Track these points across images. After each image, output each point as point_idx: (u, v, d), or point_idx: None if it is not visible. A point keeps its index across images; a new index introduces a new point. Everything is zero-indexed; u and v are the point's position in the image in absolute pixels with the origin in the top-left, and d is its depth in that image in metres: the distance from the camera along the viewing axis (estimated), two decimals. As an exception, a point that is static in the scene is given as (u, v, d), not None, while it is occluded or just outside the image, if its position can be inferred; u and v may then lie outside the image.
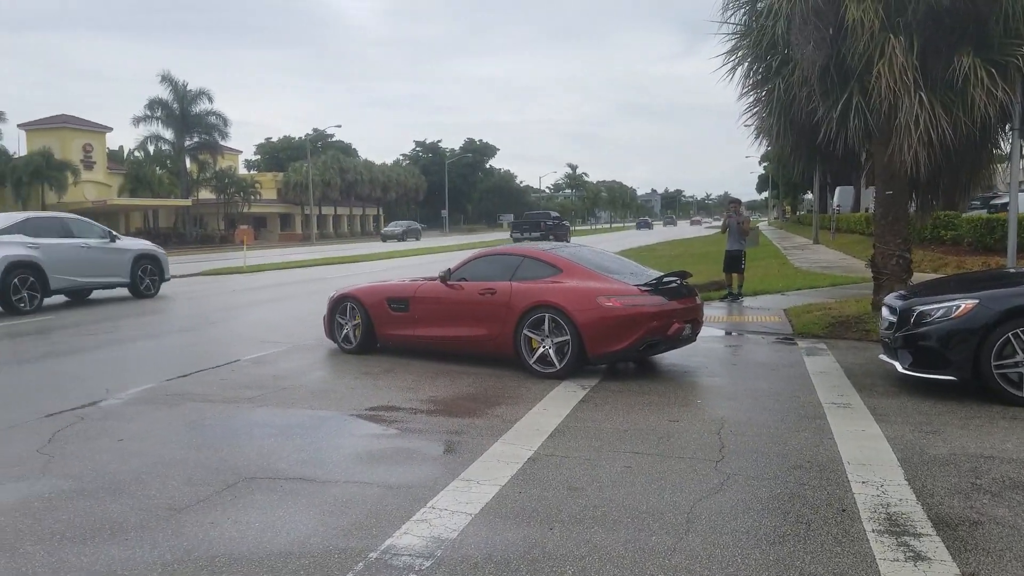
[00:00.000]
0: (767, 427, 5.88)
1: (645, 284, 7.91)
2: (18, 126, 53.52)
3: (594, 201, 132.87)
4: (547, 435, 5.70)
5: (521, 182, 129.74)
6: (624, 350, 7.65)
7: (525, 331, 7.84)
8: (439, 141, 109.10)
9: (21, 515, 4.23)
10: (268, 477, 4.82)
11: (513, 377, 7.79)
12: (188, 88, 58.17)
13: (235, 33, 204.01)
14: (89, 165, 53.14)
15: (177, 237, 57.10)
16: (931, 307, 6.70)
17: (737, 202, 15.22)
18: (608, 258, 9.11)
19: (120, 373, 8.45)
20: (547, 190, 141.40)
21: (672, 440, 5.56)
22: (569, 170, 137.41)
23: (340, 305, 9.53)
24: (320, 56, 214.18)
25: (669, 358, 8.82)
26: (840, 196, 42.99)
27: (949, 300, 6.65)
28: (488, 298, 8.20)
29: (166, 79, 57.51)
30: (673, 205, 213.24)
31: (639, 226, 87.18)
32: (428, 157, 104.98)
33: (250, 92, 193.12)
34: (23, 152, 50.25)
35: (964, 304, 6.49)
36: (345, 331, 9.43)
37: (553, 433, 5.76)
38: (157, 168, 59.17)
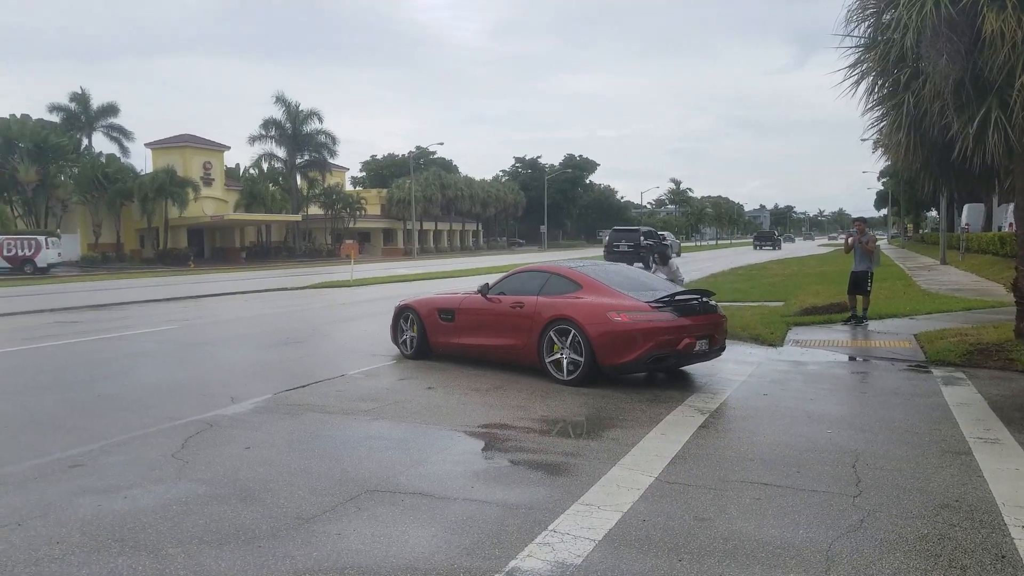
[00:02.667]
0: (907, 461, 5.51)
1: (656, 301, 8.37)
2: (145, 145, 57.46)
3: (699, 217, 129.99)
4: (668, 461, 5.54)
5: (622, 197, 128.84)
6: (632, 362, 8.13)
7: (546, 342, 8.51)
8: (539, 157, 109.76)
9: (161, 518, 4.42)
10: (389, 491, 4.88)
11: (625, 399, 7.66)
12: (300, 108, 60.91)
13: (345, 55, 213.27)
14: (208, 182, 56.29)
15: (287, 251, 59.74)
16: None
17: (862, 221, 14.48)
18: (631, 276, 9.57)
19: (240, 383, 8.80)
20: (649, 205, 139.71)
21: (804, 472, 5.28)
22: (672, 185, 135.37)
23: (402, 315, 10.45)
24: (424, 76, 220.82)
25: (794, 383, 8.51)
26: (969, 214, 40.32)
27: None
28: (517, 311, 8.94)
29: (280, 100, 60.44)
30: (783, 222, 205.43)
31: (758, 243, 78.33)
32: (528, 173, 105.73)
33: (357, 111, 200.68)
34: (149, 169, 53.79)
35: None
36: (404, 338, 10.35)
37: (674, 459, 5.59)
38: (270, 185, 62.14)
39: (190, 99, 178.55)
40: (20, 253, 39.22)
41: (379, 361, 10.05)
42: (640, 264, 35.92)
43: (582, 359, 8.22)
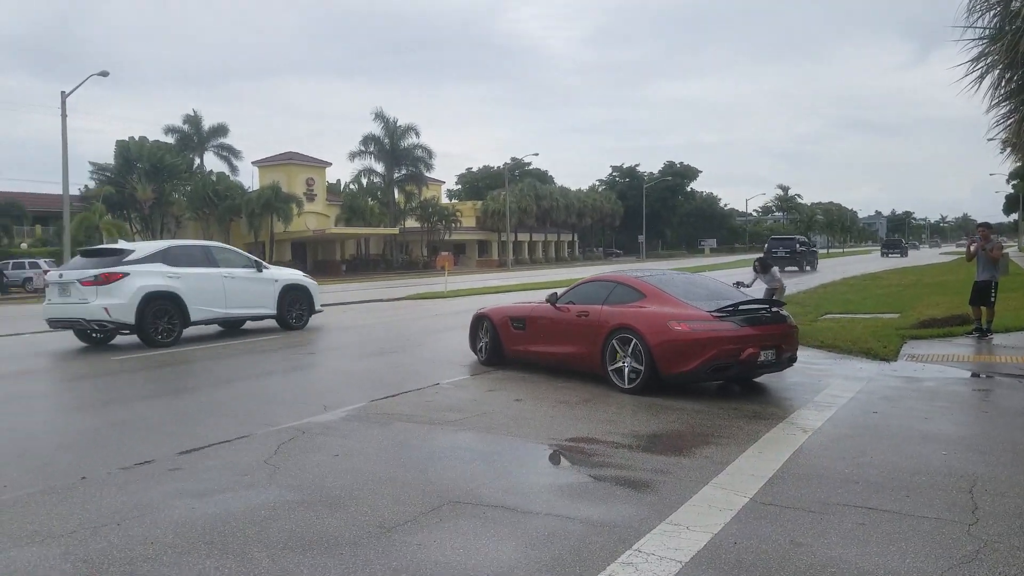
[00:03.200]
0: (1033, 480, 5.05)
1: (718, 310, 8.34)
2: (252, 163, 60.38)
3: (808, 225, 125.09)
4: (765, 481, 5.25)
5: (725, 205, 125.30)
6: (693, 371, 8.11)
7: (609, 350, 8.62)
8: (637, 165, 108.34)
9: (249, 522, 4.52)
10: (471, 503, 4.83)
11: (723, 415, 7.37)
12: (398, 124, 62.52)
13: (443, 71, 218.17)
14: (311, 197, 58.53)
15: (385, 263, 61.29)
16: None
17: (986, 226, 13.45)
18: (700, 285, 9.54)
19: (335, 391, 9.01)
20: (755, 213, 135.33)
21: (913, 496, 4.90)
22: (780, 191, 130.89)
23: (478, 323, 10.93)
24: (519, 87, 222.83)
25: (907, 400, 8.01)
26: None
27: None
28: (583, 320, 9.13)
29: (379, 116, 62.24)
30: (901, 228, 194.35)
31: (886, 250, 71.81)
32: (625, 182, 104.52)
33: (454, 125, 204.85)
34: (256, 186, 56.44)
35: None
36: (480, 344, 10.76)
37: (772, 479, 5.30)
38: (369, 199, 64.03)
39: (294, 118, 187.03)
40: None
41: (469, 372, 10.11)
42: (795, 267, 41.02)
43: (642, 367, 8.29)
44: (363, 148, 62.59)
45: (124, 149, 51.37)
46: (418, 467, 5.63)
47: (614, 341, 8.61)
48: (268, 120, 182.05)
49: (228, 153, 57.85)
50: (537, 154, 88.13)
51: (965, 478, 5.25)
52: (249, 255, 16.36)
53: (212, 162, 59.24)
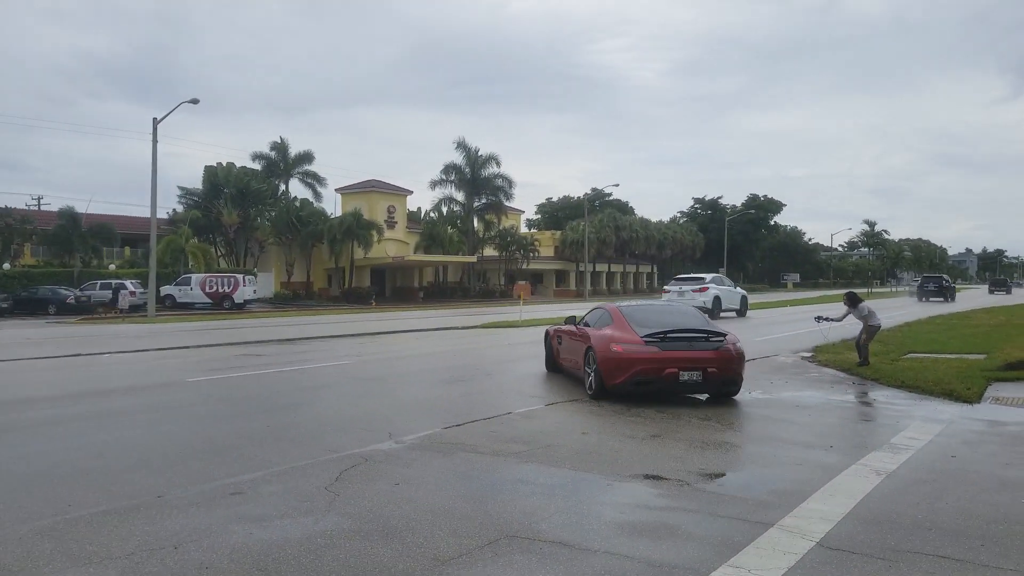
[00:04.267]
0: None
1: (648, 335, 10.05)
2: (335, 190, 62.16)
3: (895, 261, 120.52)
4: (834, 524, 5.06)
5: (810, 239, 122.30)
6: (622, 384, 10.02)
7: (586, 362, 10.84)
8: (719, 197, 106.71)
9: (305, 550, 4.59)
10: (528, 537, 4.79)
11: (794, 453, 7.16)
12: (479, 153, 63.51)
13: (527, 101, 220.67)
14: (391, 224, 59.88)
15: (462, 291, 62.03)
16: None
17: None
18: (668, 312, 11.39)
19: (402, 419, 9.10)
20: (840, 248, 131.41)
21: (989, 546, 4.67)
22: (866, 227, 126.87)
23: (545, 337, 13.85)
24: (602, 118, 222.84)
25: (989, 445, 7.64)
26: None
27: None
28: (580, 338, 11.42)
29: (460, 145, 63.38)
30: (993, 268, 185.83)
31: (921, 294, 67.89)
32: (707, 214, 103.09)
33: (536, 155, 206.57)
34: (338, 213, 58.12)
35: None
36: (545, 354, 13.69)
37: (841, 522, 5.10)
38: (448, 227, 65.10)
39: (377, 147, 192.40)
40: (220, 290, 42.91)
41: (538, 403, 10.10)
42: (941, 298, 52.22)
43: (594, 378, 10.38)
44: (444, 177, 63.83)
45: (212, 174, 53.60)
46: (478, 499, 5.65)
47: (588, 355, 10.71)
48: (352, 148, 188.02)
49: (312, 180, 59.67)
50: (618, 185, 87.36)
51: (1055, 532, 4.96)
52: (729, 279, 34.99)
53: (296, 189, 61.42)
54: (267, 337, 21.89)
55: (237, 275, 44.55)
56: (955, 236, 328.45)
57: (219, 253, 53.41)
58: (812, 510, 5.40)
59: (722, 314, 30.00)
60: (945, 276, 64.73)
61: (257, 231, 53.18)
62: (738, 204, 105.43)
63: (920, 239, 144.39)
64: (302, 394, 11.11)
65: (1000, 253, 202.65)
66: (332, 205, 71.04)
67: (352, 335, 22.87)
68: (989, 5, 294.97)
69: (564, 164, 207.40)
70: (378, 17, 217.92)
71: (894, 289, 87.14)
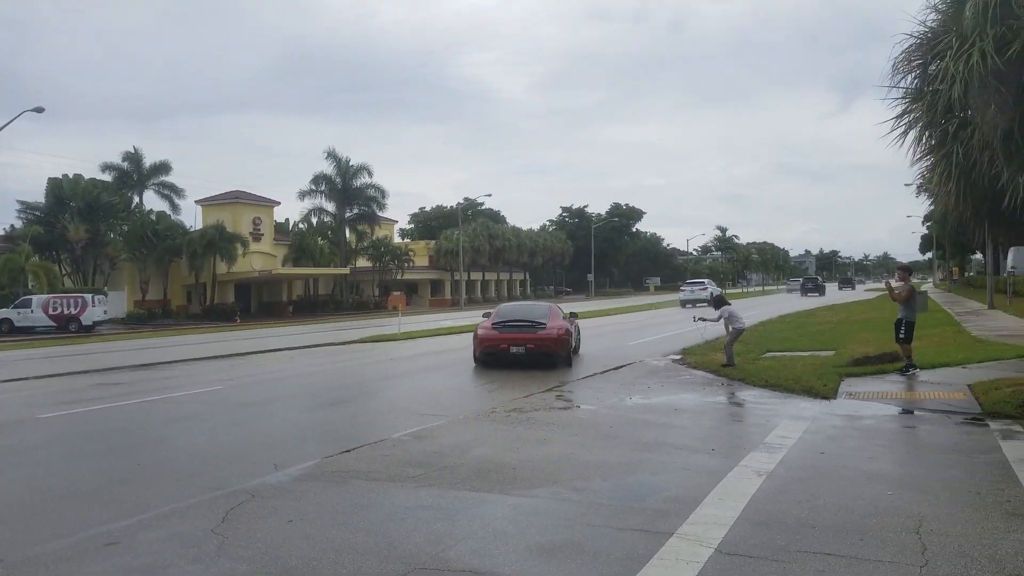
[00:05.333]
0: (972, 525, 5.26)
1: (497, 323, 16.58)
2: (195, 202, 59.09)
3: (745, 263, 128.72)
4: (727, 529, 5.29)
5: (668, 245, 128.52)
6: (480, 355, 16.41)
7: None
8: (586, 206, 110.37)
9: (201, 600, 4.34)
10: (437, 568, 4.69)
11: (680, 457, 7.46)
12: (350, 164, 62.17)
13: (397, 111, 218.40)
14: (258, 237, 57.60)
15: (334, 304, 60.46)
16: None
17: (904, 268, 14.22)
18: (524, 309, 18.18)
19: (285, 447, 8.71)
20: (695, 252, 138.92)
21: (867, 539, 5.03)
22: (718, 232, 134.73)
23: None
24: (475, 129, 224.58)
25: (850, 439, 8.26)
26: (1015, 257, 39.27)
27: None
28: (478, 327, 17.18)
29: (330, 155, 61.87)
30: (828, 267, 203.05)
31: (803, 291, 72.75)
32: (574, 222, 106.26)
33: (407, 164, 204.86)
34: (199, 225, 55.28)
35: None
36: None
37: (734, 526, 5.34)
38: (319, 239, 63.36)
39: (244, 156, 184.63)
40: (65, 311, 39.47)
41: (429, 421, 9.93)
42: (816, 294, 67.62)
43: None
44: (314, 187, 62.05)
45: (56, 187, 49.42)
46: (379, 531, 5.48)
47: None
48: (216, 159, 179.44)
49: (170, 191, 56.33)
50: (490, 195, 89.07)
51: (912, 518, 5.43)
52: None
53: (153, 201, 58.11)
54: (124, 362, 20.36)
55: (85, 295, 41.27)
56: (795, 238, 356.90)
57: (64, 271, 49.33)
58: (706, 516, 5.62)
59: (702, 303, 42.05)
60: (818, 277, 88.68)
61: (108, 247, 49.43)
62: (603, 212, 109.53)
63: (765, 242, 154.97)
64: (172, 426, 10.43)
65: (835, 254, 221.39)
66: (193, 218, 67.21)
67: (219, 356, 21.71)
68: (819, 28, 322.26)
69: (437, 174, 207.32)
70: (244, 24, 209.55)
71: (762, 288, 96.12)
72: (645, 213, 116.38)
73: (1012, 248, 39.41)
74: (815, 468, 7.10)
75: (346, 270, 62.25)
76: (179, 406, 12.18)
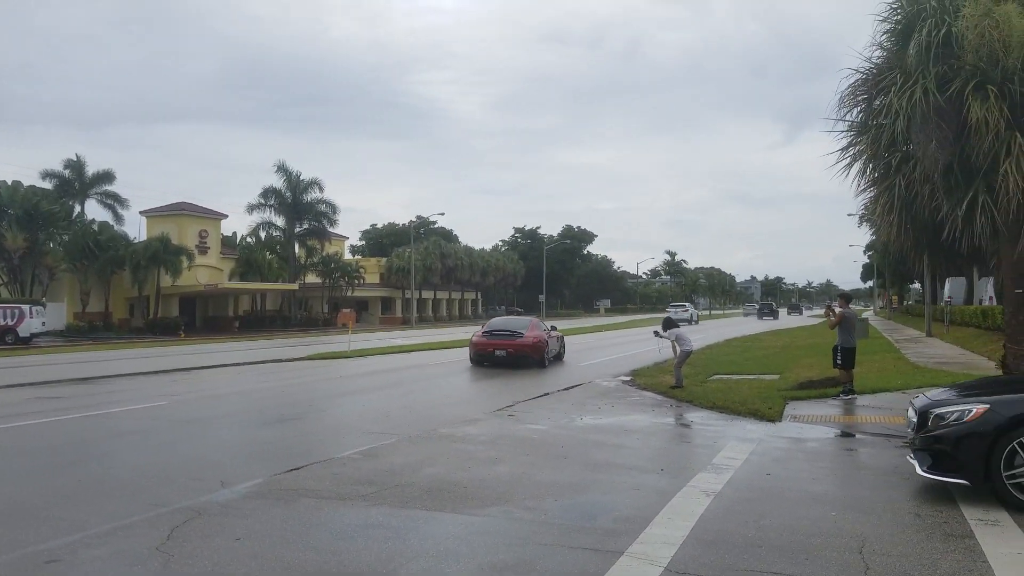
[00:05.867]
0: (912, 545, 5.44)
1: (486, 332, 21.29)
2: (140, 213, 57.69)
3: (692, 287, 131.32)
4: (676, 547, 5.37)
5: (618, 268, 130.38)
6: (474, 356, 20.99)
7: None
8: (538, 227, 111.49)
9: (146, 619, 4.24)
10: None
11: (630, 479, 7.53)
12: (301, 178, 61.61)
13: (350, 127, 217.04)
14: (204, 250, 56.45)
15: (282, 320, 59.52)
16: (947, 410, 6.82)
17: (843, 297, 14.72)
18: (510, 321, 23.29)
19: (233, 465, 8.54)
20: (644, 276, 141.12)
21: (812, 559, 5.15)
22: (668, 256, 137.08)
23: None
24: (428, 147, 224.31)
25: (795, 461, 8.48)
26: (952, 287, 40.98)
27: (963, 404, 6.77)
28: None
29: (281, 169, 61.21)
30: (773, 293, 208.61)
31: (760, 314, 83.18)
32: (527, 243, 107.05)
33: (360, 181, 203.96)
34: (143, 237, 53.87)
35: (976, 408, 6.59)
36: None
37: (683, 545, 5.43)
38: (267, 253, 62.39)
39: (190, 167, 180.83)
40: (1, 322, 38.17)
41: (379, 439, 9.82)
42: (771, 317, 77.93)
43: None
44: (263, 201, 61.28)
45: (-7, 194, 48.00)
46: (328, 550, 5.39)
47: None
48: (162, 168, 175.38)
49: (113, 201, 54.96)
50: (443, 213, 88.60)
51: (855, 538, 5.58)
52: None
53: (95, 211, 56.28)
54: (63, 376, 19.68)
55: (22, 306, 39.83)
56: (741, 264, 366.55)
57: (1, 281, 47.62)
58: (656, 535, 5.69)
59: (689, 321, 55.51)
60: (772, 302, 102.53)
61: (47, 257, 47.76)
62: (555, 234, 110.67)
63: (713, 267, 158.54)
64: (115, 442, 10.12)
65: (780, 280, 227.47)
66: (137, 229, 65.41)
67: (163, 371, 21.14)
68: (767, 60, 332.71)
69: (389, 191, 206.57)
70: (194, 33, 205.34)
71: (709, 312, 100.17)
72: (597, 236, 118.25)
73: (949, 279, 41.08)
74: (761, 489, 7.24)
75: (295, 286, 61.41)
76: (122, 422, 11.83)
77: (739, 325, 56.62)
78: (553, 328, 23.27)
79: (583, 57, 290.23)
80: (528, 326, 21.43)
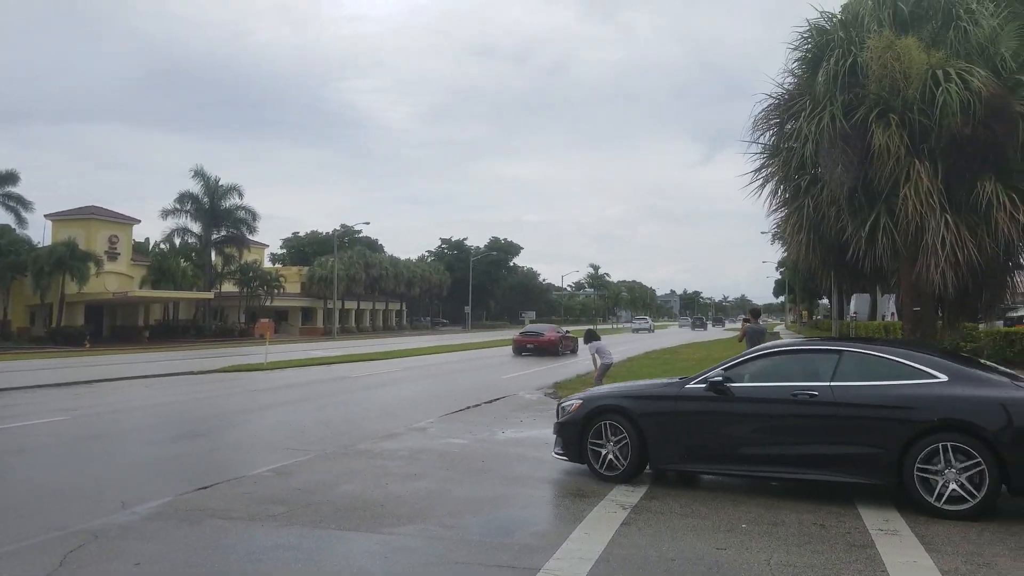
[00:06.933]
0: (818, 556, 5.61)
1: (522, 333, 35.20)
2: (45, 216, 54.81)
3: (615, 300, 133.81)
4: (592, 563, 5.39)
5: (544, 280, 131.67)
6: (515, 349, 33.12)
7: None
8: (465, 239, 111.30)
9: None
10: None
11: (548, 494, 7.56)
12: (220, 183, 59.74)
13: (274, 132, 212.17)
14: (113, 256, 54.07)
15: (196, 330, 57.42)
16: (565, 403, 8.66)
17: (752, 313, 15.26)
18: (534, 327, 38.40)
19: (136, 484, 8.15)
20: (569, 288, 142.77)
21: (723, 570, 5.26)
22: (591, 270, 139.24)
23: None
24: (352, 154, 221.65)
25: (707, 476, 8.65)
26: (856, 303, 43.09)
27: (572, 399, 8.64)
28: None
29: (198, 174, 59.23)
30: (692, 306, 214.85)
31: (693, 326, 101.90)
32: (453, 254, 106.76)
33: (283, 187, 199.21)
34: (48, 241, 51.17)
35: (575, 402, 8.45)
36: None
37: (599, 561, 5.45)
38: (182, 260, 60.16)
39: (101, 169, 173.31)
40: None
41: (293, 456, 9.53)
42: (702, 328, 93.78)
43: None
44: (179, 206, 59.05)
45: None
46: (236, 573, 5.16)
47: None
48: (71, 169, 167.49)
49: (16, 203, 51.71)
50: (368, 223, 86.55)
51: (764, 550, 5.76)
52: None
53: (-4, 214, 53.17)
54: (-47, 389, 18.47)
55: (-90, 313, 37.24)
56: (661, 278, 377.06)
57: None
58: (573, 550, 5.69)
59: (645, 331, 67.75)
60: (702, 316, 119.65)
61: (-59, 262, 44.93)
62: (482, 245, 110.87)
63: (635, 281, 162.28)
64: (8, 460, 9.50)
65: (698, 294, 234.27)
66: (41, 233, 62.10)
67: (65, 384, 20.04)
68: (687, 82, 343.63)
69: (313, 198, 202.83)
70: (111, 32, 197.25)
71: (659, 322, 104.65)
72: (523, 248, 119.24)
73: (855, 295, 43.12)
74: (677, 500, 7.34)
75: (210, 294, 59.45)
76: (16, 438, 11.14)
77: (661, 337, 57.85)
78: (567, 332, 35.27)
79: (511, 71, 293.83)
80: (547, 331, 34.21)
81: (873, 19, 10.23)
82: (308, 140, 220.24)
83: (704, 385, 7.67)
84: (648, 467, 8.01)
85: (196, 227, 60.14)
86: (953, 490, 6.50)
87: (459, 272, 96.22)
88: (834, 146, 9.50)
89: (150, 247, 65.33)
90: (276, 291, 65.06)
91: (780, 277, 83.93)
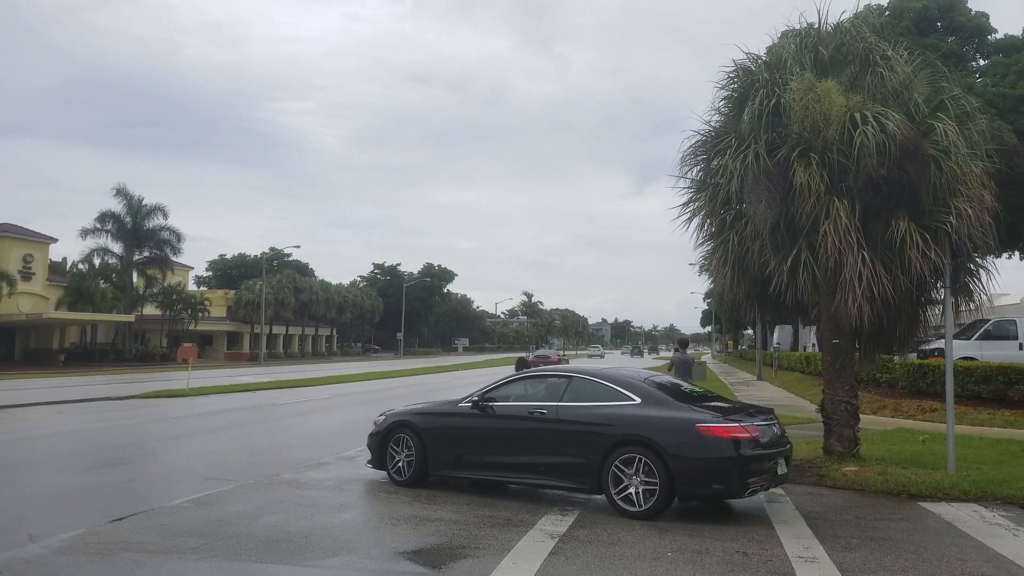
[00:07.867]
0: (743, 585, 5.71)
1: (534, 357, 45.85)
2: (-48, 234, 52.12)
3: (548, 328, 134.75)
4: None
5: (478, 307, 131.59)
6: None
7: None
8: (398, 264, 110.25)
9: None
10: None
11: (478, 524, 7.45)
12: (143, 203, 58.01)
13: (200, 151, 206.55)
14: (28, 276, 51.64)
15: (115, 353, 55.18)
16: (378, 419, 9.71)
17: (682, 341, 15.63)
18: (543, 354, 53.68)
19: (45, 516, 7.75)
20: (502, 315, 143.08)
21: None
22: (525, 297, 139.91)
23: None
24: (283, 177, 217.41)
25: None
26: (780, 334, 44.65)
27: (381, 415, 9.70)
28: None
29: (121, 192, 57.33)
30: (622, 335, 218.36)
31: (631, 354, 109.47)
32: (386, 280, 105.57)
33: (210, 209, 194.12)
34: (-44, 260, 48.65)
35: (381, 418, 9.65)
36: None
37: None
38: (101, 281, 57.77)
39: (15, 185, 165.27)
40: None
41: (214, 486, 9.20)
42: (639, 356, 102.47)
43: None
44: (99, 225, 56.95)
45: None
46: (149, 609, 5.03)
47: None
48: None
49: (-78, 221, 49.48)
50: (299, 246, 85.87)
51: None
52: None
53: (-101, 231, 50.21)
54: None
55: None
56: (593, 307, 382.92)
57: None
58: (501, 582, 5.68)
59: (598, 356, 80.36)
60: (640, 345, 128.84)
61: None
62: (415, 271, 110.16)
63: (567, 309, 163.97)
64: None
65: (628, 323, 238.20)
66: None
67: (-30, 410, 18.98)
68: (619, 115, 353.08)
69: (242, 220, 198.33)
70: (28, 43, 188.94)
71: (575, 352, 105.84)
72: (457, 275, 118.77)
73: (778, 326, 44.62)
74: (604, 530, 7.37)
75: (131, 317, 57.26)
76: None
77: (608, 362, 58.41)
78: (567, 359, 48.84)
79: (447, 99, 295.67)
80: (555, 358, 46.80)
81: (796, 62, 10.66)
82: (238, 161, 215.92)
83: (470, 404, 8.98)
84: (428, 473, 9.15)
85: (117, 247, 58.14)
86: (635, 493, 7.70)
87: (392, 298, 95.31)
88: (758, 183, 9.82)
89: (68, 267, 62.66)
90: (201, 315, 63.16)
91: (707, 308, 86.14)
